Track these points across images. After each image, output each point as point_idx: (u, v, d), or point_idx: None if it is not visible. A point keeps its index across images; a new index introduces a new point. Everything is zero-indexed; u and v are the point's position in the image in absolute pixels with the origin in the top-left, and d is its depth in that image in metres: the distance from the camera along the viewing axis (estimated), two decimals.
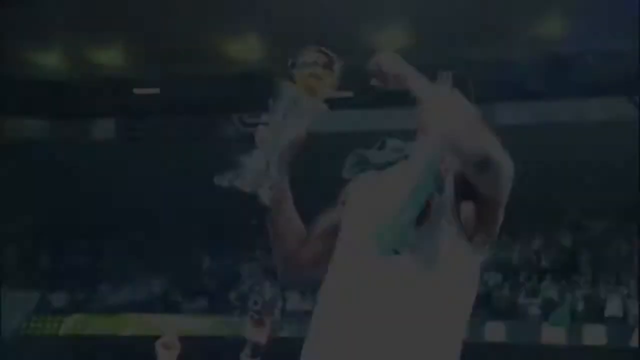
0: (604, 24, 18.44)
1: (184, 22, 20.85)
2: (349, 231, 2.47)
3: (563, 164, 18.47)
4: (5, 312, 19.50)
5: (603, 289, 18.03)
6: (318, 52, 2.45)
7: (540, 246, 20.51)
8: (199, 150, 19.59)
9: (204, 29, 21.33)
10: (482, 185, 2.30)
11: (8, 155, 19.90)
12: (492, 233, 2.42)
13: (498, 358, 16.47)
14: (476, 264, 2.43)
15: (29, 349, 19.15)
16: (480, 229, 2.38)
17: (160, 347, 3.82)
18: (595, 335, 16.83)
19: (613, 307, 17.29)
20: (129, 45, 22.72)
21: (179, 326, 18.90)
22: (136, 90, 22.71)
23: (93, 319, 19.82)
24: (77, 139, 20.31)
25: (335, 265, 2.46)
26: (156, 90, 22.75)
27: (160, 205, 22.05)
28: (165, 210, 22.41)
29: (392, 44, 20.96)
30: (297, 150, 2.47)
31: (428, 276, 2.32)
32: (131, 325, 19.62)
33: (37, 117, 20.65)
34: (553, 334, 17.12)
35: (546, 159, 18.56)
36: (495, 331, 17.32)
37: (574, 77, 19.37)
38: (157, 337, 3.86)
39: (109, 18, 21.33)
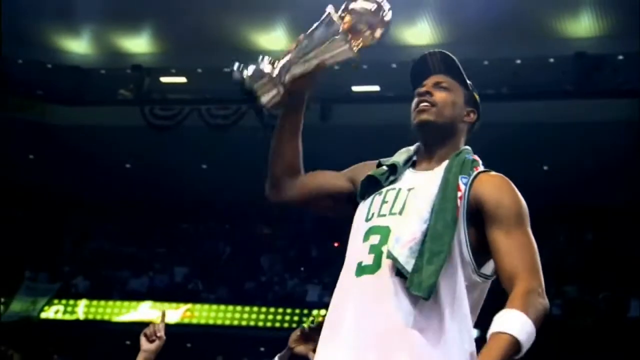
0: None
1: (212, 12, 20.84)
2: (356, 240, 2.47)
3: (585, 162, 18.27)
4: (25, 295, 19.63)
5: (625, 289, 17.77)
6: (373, 3, 2.47)
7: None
8: (224, 140, 19.54)
9: (232, 18, 21.31)
10: None
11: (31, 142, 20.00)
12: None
13: None
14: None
15: (48, 332, 19.29)
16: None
17: (142, 337, 3.70)
18: None
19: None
20: (156, 33, 22.75)
21: (200, 315, 18.99)
22: (163, 79, 22.76)
23: (112, 304, 19.88)
24: (102, 125, 20.34)
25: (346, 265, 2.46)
26: (183, 79, 22.77)
27: (183, 193, 22.09)
28: (188, 199, 22.45)
29: (421, 39, 20.83)
30: (309, 77, 2.46)
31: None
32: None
33: (62, 103, 20.71)
34: None
35: (568, 157, 18.39)
36: None
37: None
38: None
39: (138, 5, 21.38)
